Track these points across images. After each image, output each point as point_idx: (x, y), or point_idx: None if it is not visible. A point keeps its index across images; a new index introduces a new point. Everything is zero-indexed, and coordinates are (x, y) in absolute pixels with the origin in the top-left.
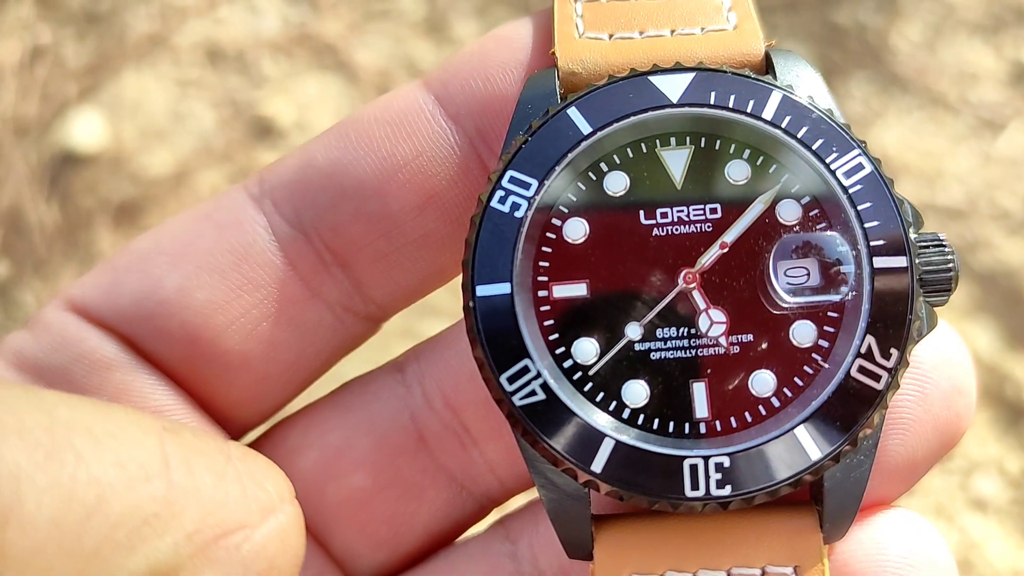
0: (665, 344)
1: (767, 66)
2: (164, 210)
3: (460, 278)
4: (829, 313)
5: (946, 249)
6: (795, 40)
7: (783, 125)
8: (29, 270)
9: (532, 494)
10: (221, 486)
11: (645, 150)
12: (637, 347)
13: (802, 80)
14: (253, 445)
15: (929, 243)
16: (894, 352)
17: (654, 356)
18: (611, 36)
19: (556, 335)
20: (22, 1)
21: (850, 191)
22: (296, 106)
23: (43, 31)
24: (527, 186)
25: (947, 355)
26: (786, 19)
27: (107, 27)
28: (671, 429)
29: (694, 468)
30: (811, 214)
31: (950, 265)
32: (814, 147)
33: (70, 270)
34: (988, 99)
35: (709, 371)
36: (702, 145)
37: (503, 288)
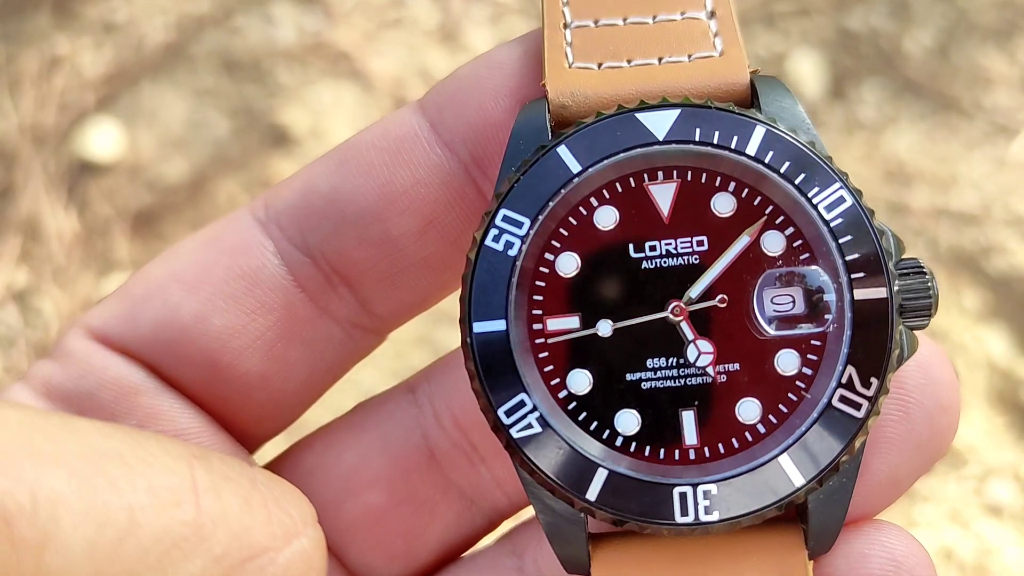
0: (655, 375)
1: (752, 93)
2: (181, 218)
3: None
4: (812, 342)
5: (925, 276)
6: (808, 45)
7: (766, 160)
8: (47, 278)
9: None
10: (248, 511)
11: (633, 185)
12: (628, 377)
13: (785, 110)
14: (272, 465)
15: (909, 270)
16: (874, 381)
17: (645, 386)
18: (600, 65)
19: (551, 367)
20: (40, 11)
21: (831, 224)
22: (311, 114)
23: (61, 41)
24: (520, 224)
25: (931, 375)
26: (798, 24)
27: (124, 37)
28: (661, 456)
29: (683, 496)
30: (794, 245)
31: (929, 291)
32: (796, 181)
33: (88, 278)
34: (1002, 104)
35: (697, 400)
36: (688, 179)
37: (499, 325)
